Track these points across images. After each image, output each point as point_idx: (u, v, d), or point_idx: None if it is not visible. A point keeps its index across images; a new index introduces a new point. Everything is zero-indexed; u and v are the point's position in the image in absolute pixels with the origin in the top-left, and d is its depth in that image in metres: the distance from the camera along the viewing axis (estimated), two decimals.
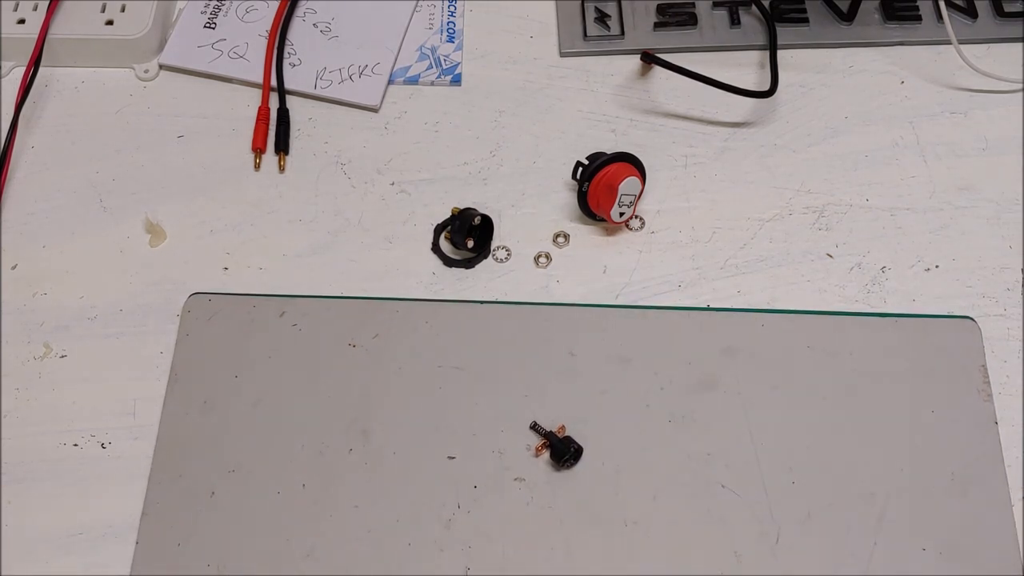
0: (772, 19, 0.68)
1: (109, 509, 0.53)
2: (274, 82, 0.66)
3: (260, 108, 0.65)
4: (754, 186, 0.63)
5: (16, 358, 0.57)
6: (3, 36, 0.66)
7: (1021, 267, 0.60)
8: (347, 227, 0.61)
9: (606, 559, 0.51)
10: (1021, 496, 0.53)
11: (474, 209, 0.60)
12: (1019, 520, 0.52)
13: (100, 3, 0.67)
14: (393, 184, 0.63)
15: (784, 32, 0.68)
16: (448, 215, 0.61)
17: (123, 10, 0.67)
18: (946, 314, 0.58)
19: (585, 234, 0.61)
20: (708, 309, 0.58)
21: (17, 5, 0.67)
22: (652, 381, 0.56)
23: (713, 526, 0.52)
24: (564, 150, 0.64)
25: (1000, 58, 0.67)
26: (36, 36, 0.65)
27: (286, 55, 0.67)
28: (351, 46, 0.68)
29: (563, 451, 0.53)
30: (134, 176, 0.63)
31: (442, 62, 0.68)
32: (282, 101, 0.66)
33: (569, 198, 0.62)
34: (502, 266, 0.60)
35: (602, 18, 0.69)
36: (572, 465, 0.54)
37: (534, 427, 0.55)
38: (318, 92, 0.66)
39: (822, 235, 0.61)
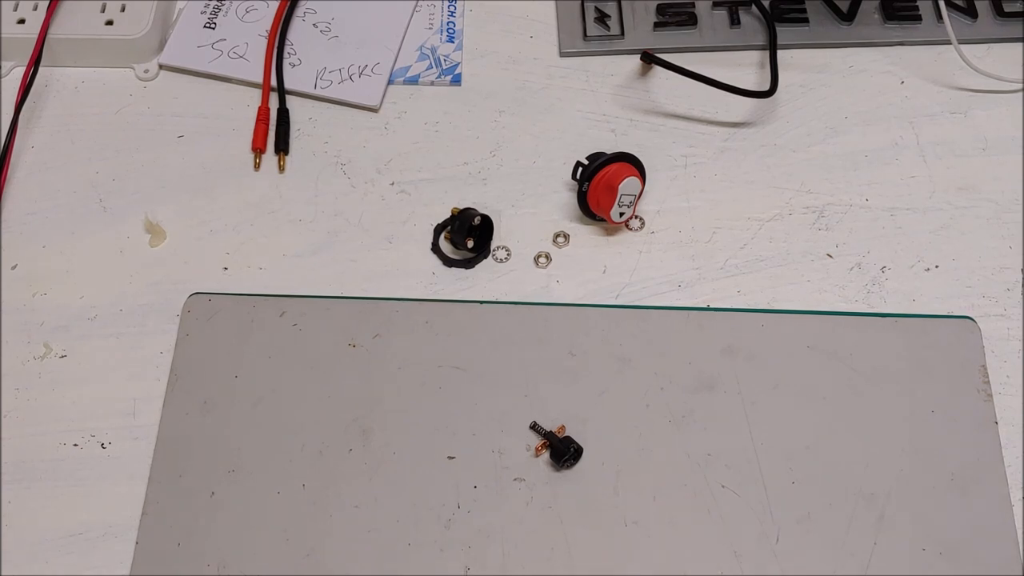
0: (772, 19, 0.68)
1: (109, 509, 0.53)
2: (274, 82, 0.66)
3: (260, 108, 0.65)
4: (754, 186, 0.63)
5: (16, 358, 0.57)
6: (3, 36, 0.66)
7: (1021, 267, 0.60)
8: (347, 227, 0.61)
9: (606, 559, 0.51)
10: (1021, 496, 0.53)
11: (474, 209, 0.60)
12: (1019, 520, 0.52)
13: (100, 3, 0.67)
14: (393, 184, 0.63)
15: (784, 32, 0.68)
16: (448, 215, 0.61)
17: (123, 10, 0.67)
18: (946, 314, 0.58)
19: (585, 234, 0.61)
20: (708, 309, 0.58)
21: (17, 5, 0.67)
22: (652, 381, 0.56)
23: (713, 526, 0.52)
24: (564, 150, 0.64)
25: (1000, 58, 0.67)
26: (36, 36, 0.65)
27: (286, 55, 0.67)
28: (351, 46, 0.68)
29: (563, 451, 0.53)
30: (134, 176, 0.63)
31: (442, 62, 0.68)
32: (282, 101, 0.66)
33: (569, 198, 0.62)
34: (502, 266, 0.60)
35: (602, 18, 0.69)
36: (572, 465, 0.53)
37: (534, 427, 0.55)
38: (318, 92, 0.66)
39: (822, 235, 0.61)
